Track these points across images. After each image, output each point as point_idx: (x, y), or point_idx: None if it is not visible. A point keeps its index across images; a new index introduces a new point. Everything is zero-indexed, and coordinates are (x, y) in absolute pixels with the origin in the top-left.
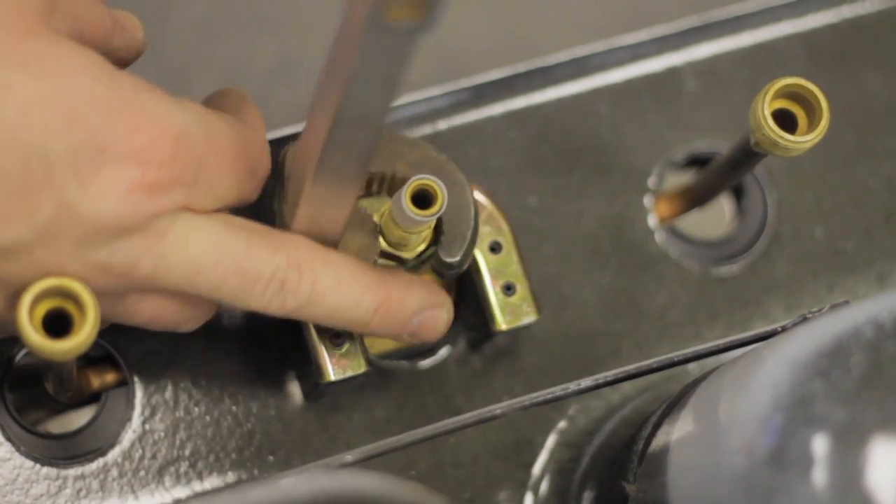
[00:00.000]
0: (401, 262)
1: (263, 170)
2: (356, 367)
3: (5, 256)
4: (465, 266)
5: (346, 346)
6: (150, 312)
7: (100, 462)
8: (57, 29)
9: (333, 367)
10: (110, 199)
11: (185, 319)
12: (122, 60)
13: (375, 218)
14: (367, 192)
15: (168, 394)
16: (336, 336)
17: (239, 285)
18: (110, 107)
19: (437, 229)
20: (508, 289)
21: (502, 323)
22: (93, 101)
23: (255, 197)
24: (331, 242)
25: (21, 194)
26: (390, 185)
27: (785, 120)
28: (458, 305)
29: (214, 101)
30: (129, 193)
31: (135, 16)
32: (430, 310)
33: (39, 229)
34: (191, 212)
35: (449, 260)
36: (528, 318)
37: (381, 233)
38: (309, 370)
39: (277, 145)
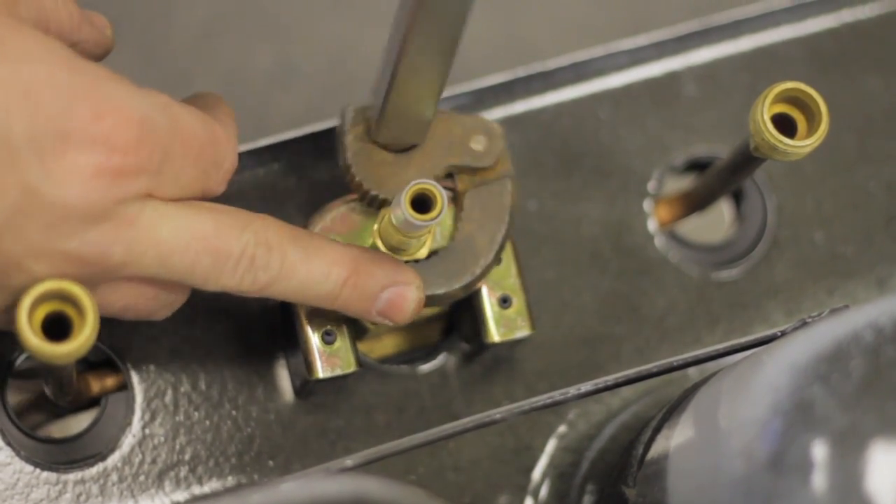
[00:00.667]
0: None
1: (230, 162)
2: (345, 366)
3: None
4: (442, 305)
5: (336, 344)
6: (124, 302)
7: (100, 467)
8: (20, 17)
9: (323, 365)
10: (75, 183)
11: (158, 307)
12: (89, 54)
13: (375, 226)
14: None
15: (168, 398)
16: (327, 333)
17: (211, 264)
18: (73, 92)
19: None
20: (504, 301)
21: (496, 335)
22: (55, 85)
23: (220, 190)
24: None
25: None
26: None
27: (784, 124)
28: (454, 316)
29: (188, 102)
30: (94, 178)
31: (103, 16)
32: (400, 286)
33: (6, 215)
34: (157, 199)
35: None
36: (522, 331)
37: (380, 238)
38: (299, 367)
39: (279, 150)
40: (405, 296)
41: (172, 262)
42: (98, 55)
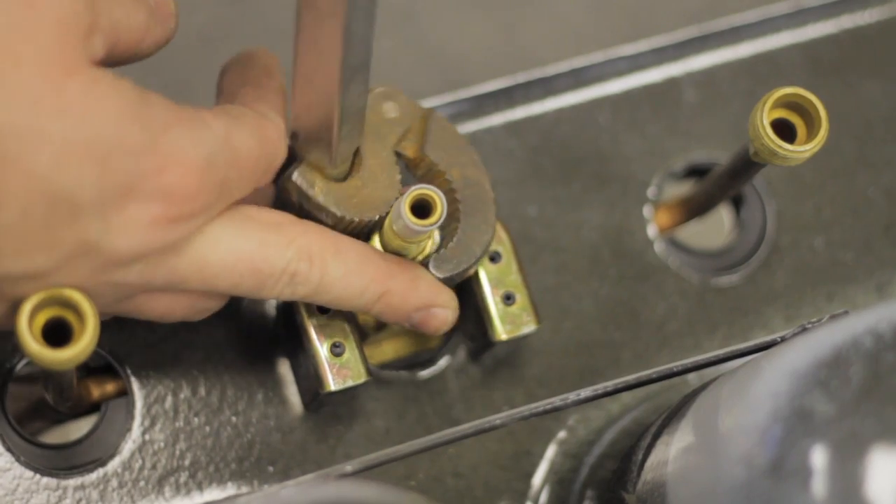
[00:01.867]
0: None
1: (280, 159)
2: (356, 376)
3: (22, 282)
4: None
5: (345, 356)
6: (162, 310)
7: (100, 472)
8: (95, 54)
9: (334, 377)
10: (132, 234)
11: (196, 312)
12: (151, 51)
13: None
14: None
15: (168, 404)
16: (336, 345)
17: (254, 283)
18: (141, 148)
19: (444, 240)
20: (508, 298)
21: (502, 333)
22: (125, 145)
23: (267, 182)
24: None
25: (44, 232)
26: (431, 178)
27: (784, 130)
28: (458, 315)
29: (238, 69)
30: (151, 227)
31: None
32: (434, 308)
33: (59, 261)
34: (209, 221)
35: (434, 272)
36: (528, 327)
37: (381, 243)
38: (309, 380)
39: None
40: (439, 316)
41: (216, 283)
42: (161, 46)
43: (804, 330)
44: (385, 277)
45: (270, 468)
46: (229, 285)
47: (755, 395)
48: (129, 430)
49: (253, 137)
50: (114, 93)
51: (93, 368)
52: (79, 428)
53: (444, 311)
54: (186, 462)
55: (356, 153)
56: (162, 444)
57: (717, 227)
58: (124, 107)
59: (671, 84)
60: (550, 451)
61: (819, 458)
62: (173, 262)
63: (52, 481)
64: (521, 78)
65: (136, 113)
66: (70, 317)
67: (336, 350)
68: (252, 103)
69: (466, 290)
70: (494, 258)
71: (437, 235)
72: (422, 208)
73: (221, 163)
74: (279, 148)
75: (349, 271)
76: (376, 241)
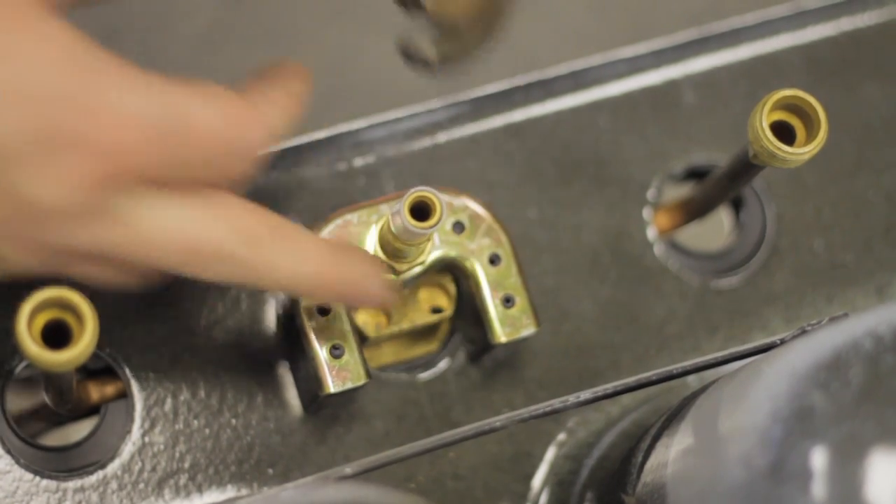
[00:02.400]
0: (394, 272)
1: (254, 148)
2: (356, 378)
3: None
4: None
5: (345, 358)
6: (95, 276)
7: (99, 475)
8: None
9: (333, 379)
10: (62, 189)
11: (130, 281)
12: None
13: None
14: None
15: (168, 406)
16: (335, 347)
17: (190, 261)
18: (77, 100)
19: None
20: (507, 301)
21: (501, 335)
22: (55, 91)
23: (245, 171)
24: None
25: None
26: None
27: (783, 132)
28: (457, 317)
29: (269, 68)
30: (83, 181)
31: None
32: (370, 289)
33: None
34: (154, 191)
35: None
36: (528, 330)
37: (380, 245)
38: (308, 382)
39: (278, 157)
40: (374, 296)
41: (151, 257)
42: None
43: (804, 332)
44: (326, 260)
45: (270, 470)
46: (164, 261)
47: (755, 396)
48: (128, 432)
49: (215, 114)
50: (64, 45)
51: (92, 371)
52: (78, 430)
53: (379, 291)
54: (186, 464)
55: None
56: (162, 447)
57: (717, 230)
58: (72, 59)
59: (671, 86)
60: (550, 454)
61: (819, 459)
62: (110, 231)
63: (52, 483)
64: (520, 80)
65: (83, 67)
66: (69, 319)
67: (335, 352)
68: (249, 92)
69: (466, 292)
70: (494, 261)
71: (436, 238)
72: (421, 211)
73: (168, 129)
74: (250, 133)
75: (287, 255)
76: (374, 241)
